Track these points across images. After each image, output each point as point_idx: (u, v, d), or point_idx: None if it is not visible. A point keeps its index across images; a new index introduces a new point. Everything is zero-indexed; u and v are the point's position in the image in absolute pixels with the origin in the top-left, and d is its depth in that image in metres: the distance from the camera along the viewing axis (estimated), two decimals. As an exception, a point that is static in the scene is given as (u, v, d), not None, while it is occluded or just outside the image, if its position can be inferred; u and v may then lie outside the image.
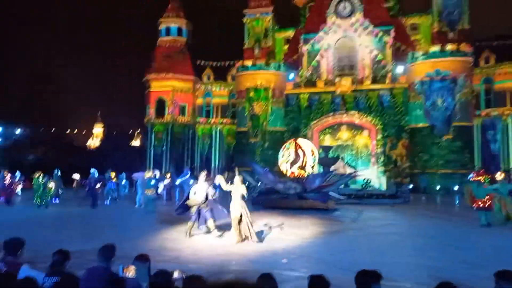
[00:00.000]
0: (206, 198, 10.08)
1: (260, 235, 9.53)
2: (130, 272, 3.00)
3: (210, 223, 9.92)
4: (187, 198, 10.34)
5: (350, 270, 6.40)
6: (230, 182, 9.79)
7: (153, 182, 16.26)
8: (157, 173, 20.44)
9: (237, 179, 9.50)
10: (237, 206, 9.15)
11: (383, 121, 30.61)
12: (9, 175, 17.76)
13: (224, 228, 10.12)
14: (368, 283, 3.11)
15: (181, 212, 10.51)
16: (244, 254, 7.93)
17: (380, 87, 30.62)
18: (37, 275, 3.75)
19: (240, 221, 9.08)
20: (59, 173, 18.81)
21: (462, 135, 28.39)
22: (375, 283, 3.12)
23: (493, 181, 12.74)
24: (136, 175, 17.36)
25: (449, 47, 28.73)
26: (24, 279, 2.77)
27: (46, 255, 5.57)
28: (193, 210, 9.96)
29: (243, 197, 9.31)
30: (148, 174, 16.72)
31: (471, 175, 19.93)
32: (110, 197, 18.68)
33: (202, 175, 10.57)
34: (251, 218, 9.32)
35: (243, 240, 9.01)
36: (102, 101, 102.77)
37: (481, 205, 11.96)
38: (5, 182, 16.86)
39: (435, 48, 29.12)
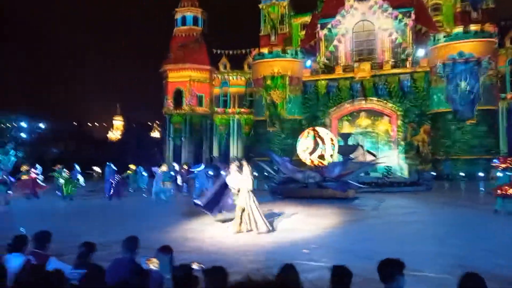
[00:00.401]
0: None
1: (274, 225, 9.54)
2: (153, 264, 3.05)
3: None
4: (215, 192, 10.13)
5: (371, 259, 6.35)
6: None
7: (172, 173, 16.50)
8: (176, 165, 20.71)
9: (246, 170, 9.41)
10: (243, 197, 9.21)
11: (404, 107, 29.98)
12: (32, 169, 18.24)
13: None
14: (392, 273, 3.07)
15: (211, 207, 10.05)
16: (264, 245, 7.98)
17: (400, 71, 29.94)
18: (64, 267, 3.86)
19: (243, 211, 9.14)
20: (78, 167, 19.14)
21: (487, 119, 27.56)
22: (399, 273, 3.07)
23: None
24: (154, 169, 17.61)
25: (473, 27, 27.75)
26: (53, 271, 2.85)
27: (71, 246, 5.75)
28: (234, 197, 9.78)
29: (250, 188, 9.31)
30: (163, 168, 16.93)
31: (495, 160, 19.44)
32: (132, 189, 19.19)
33: (233, 166, 9.87)
34: (259, 209, 9.30)
35: (242, 231, 9.10)
36: (121, 93, 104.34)
37: (500, 192, 11.67)
38: (29, 177, 17.33)
39: (458, 29, 28.17)
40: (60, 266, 3.80)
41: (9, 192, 15.35)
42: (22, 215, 12.12)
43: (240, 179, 9.37)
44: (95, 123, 56.43)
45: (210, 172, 17.59)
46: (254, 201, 9.30)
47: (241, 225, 9.14)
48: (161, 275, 3.03)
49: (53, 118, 45.54)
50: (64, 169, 17.54)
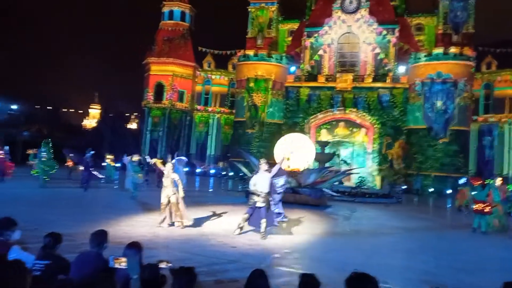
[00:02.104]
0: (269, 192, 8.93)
1: (247, 228, 9.50)
2: (121, 263, 2.95)
3: (263, 224, 8.72)
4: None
5: (341, 270, 6.42)
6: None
7: (141, 166, 16.17)
8: (148, 158, 20.33)
9: (169, 166, 9.66)
10: (168, 192, 9.42)
11: (381, 120, 30.64)
12: (1, 151, 17.57)
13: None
14: None
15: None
16: (236, 246, 7.92)
17: (380, 85, 30.59)
18: (26, 257, 3.70)
19: (167, 205, 9.44)
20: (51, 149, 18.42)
21: (459, 139, 28.50)
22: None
23: (484, 187, 12.76)
24: (125, 159, 17.00)
25: (452, 50, 28.67)
26: (13, 261, 2.70)
27: (37, 235, 5.53)
28: (251, 202, 9.10)
29: (174, 183, 9.53)
30: (136, 158, 16.42)
31: (463, 179, 20.12)
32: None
33: (263, 164, 9.14)
34: (182, 204, 9.53)
35: (164, 223, 9.39)
36: (101, 81, 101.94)
37: (479, 209, 12.04)
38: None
39: (438, 50, 29.05)
40: (22, 256, 3.63)
41: None
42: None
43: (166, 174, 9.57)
44: (71, 110, 54.95)
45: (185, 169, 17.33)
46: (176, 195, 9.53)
47: (165, 217, 9.45)
48: (128, 275, 2.92)
49: (27, 101, 44.02)
50: (42, 152, 16.83)
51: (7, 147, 18.54)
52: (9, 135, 35.23)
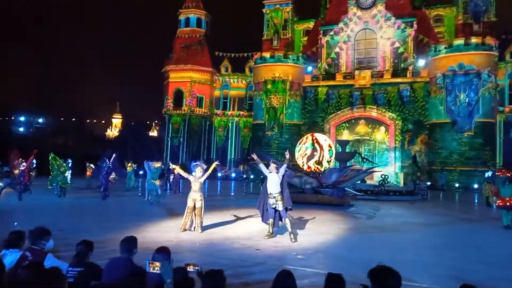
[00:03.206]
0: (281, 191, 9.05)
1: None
2: (155, 267, 3.07)
3: (289, 223, 8.84)
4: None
5: (367, 268, 6.39)
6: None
7: (163, 172, 16.46)
8: (170, 164, 20.66)
9: (198, 169, 9.73)
10: (196, 196, 9.52)
11: (402, 116, 30.12)
12: (24, 162, 18.14)
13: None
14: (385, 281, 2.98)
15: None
16: (260, 248, 7.98)
17: (400, 81, 30.11)
18: (61, 264, 3.86)
19: (193, 209, 9.51)
20: (70, 163, 18.94)
21: (484, 132, 27.72)
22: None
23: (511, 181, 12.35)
24: (148, 164, 17.31)
25: (474, 40, 27.95)
26: (51, 269, 2.85)
27: (67, 243, 5.75)
28: (271, 202, 9.00)
29: (202, 188, 9.76)
30: (157, 164, 16.70)
31: (488, 173, 19.52)
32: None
33: (272, 165, 9.34)
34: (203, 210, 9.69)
35: (191, 227, 9.51)
36: (121, 91, 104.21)
37: (502, 204, 11.69)
38: (21, 169, 17.22)
39: (459, 41, 28.38)
40: (57, 263, 3.80)
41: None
42: (17, 211, 12.09)
43: (192, 178, 9.68)
44: (94, 120, 56.41)
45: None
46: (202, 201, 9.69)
47: (187, 223, 9.55)
48: (161, 279, 3.03)
49: (53, 114, 45.49)
50: (65, 163, 17.38)
51: (34, 161, 19.15)
52: (37, 148, 36.38)
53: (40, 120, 43.67)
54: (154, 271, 2.92)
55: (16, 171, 16.71)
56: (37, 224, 4.46)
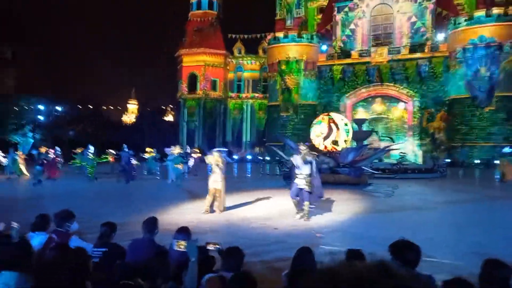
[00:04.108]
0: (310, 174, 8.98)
1: (288, 210, 9.58)
2: (181, 246, 3.15)
3: (307, 205, 8.86)
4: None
5: (385, 245, 6.37)
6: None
7: (182, 156, 16.84)
8: (188, 148, 20.93)
9: (216, 153, 9.94)
10: (216, 177, 9.69)
11: (421, 93, 29.47)
12: (51, 151, 18.64)
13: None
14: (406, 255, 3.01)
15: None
16: (278, 228, 8.05)
17: (418, 56, 29.35)
18: (85, 245, 3.99)
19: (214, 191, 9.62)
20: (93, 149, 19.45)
21: (506, 106, 26.91)
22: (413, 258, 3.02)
23: None
24: (167, 149, 17.72)
25: (495, 11, 26.85)
26: (77, 249, 2.94)
27: (91, 226, 5.92)
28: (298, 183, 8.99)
29: (222, 170, 9.84)
30: (176, 150, 17.07)
31: (506, 148, 19.06)
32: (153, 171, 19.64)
33: (303, 147, 9.33)
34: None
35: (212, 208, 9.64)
36: (136, 77, 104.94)
37: None
38: (48, 158, 17.75)
39: (480, 13, 27.31)
40: (81, 244, 3.93)
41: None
42: (44, 196, 12.47)
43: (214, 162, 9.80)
44: (110, 107, 57.11)
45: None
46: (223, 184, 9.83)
47: (209, 205, 9.67)
48: (187, 257, 3.11)
49: (70, 101, 46.23)
50: (89, 151, 17.87)
51: (58, 148, 19.65)
52: (56, 136, 37.27)
53: (59, 109, 44.47)
54: (180, 249, 2.99)
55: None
56: (62, 208, 4.60)
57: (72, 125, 43.75)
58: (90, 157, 17.56)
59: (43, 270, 2.44)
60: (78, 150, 19.53)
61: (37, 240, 4.03)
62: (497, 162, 23.27)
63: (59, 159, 18.96)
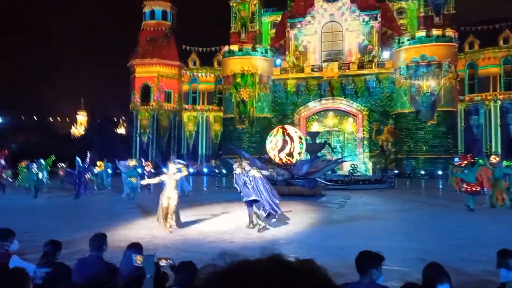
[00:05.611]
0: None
1: (243, 223, 9.58)
2: (139, 261, 3.01)
3: (260, 213, 9.04)
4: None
5: (340, 255, 6.51)
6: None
7: (139, 170, 16.33)
8: (143, 161, 20.34)
9: (172, 167, 9.24)
10: (170, 194, 9.04)
11: (369, 107, 30.88)
12: None
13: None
14: (368, 266, 3.13)
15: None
16: (233, 241, 7.98)
17: (366, 72, 30.81)
18: (26, 266, 3.69)
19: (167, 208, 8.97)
20: (43, 162, 18.37)
21: (446, 120, 28.89)
22: (374, 267, 3.13)
23: (473, 165, 13.02)
24: (122, 163, 17.13)
25: (435, 32, 28.96)
26: (15, 269, 2.72)
27: (34, 245, 5.51)
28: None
29: (177, 185, 9.38)
30: (132, 162, 16.64)
31: (456, 159, 20.38)
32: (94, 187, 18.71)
33: (244, 163, 9.66)
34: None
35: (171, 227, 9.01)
36: (86, 87, 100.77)
37: (468, 189, 12.25)
38: None
39: (421, 33, 29.32)
40: (22, 265, 3.63)
41: None
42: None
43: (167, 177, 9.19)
44: (57, 118, 54.27)
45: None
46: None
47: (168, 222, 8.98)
48: (139, 274, 2.96)
49: (13, 112, 43.36)
50: (33, 163, 16.79)
51: (2, 161, 18.38)
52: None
53: (0, 119, 41.56)
54: (137, 265, 2.84)
55: None
56: (2, 225, 4.25)
57: (14, 136, 40.96)
58: (34, 172, 16.50)
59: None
60: (23, 164, 18.30)
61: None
62: (440, 173, 24.84)
63: (3, 174, 17.74)
